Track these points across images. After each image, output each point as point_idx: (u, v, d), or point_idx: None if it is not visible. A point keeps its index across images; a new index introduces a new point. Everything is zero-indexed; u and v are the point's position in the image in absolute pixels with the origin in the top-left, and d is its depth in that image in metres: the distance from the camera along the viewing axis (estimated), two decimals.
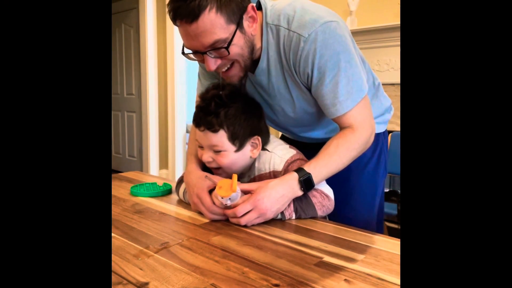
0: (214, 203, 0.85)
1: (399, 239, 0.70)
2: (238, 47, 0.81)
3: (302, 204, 0.87)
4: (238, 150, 0.88)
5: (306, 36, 0.81)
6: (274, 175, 0.91)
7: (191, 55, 0.84)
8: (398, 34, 2.41)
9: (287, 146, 0.96)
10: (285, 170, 0.90)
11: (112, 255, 0.67)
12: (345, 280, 0.59)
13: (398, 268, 0.63)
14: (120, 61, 4.21)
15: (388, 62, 2.54)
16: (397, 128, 2.52)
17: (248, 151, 0.91)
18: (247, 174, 0.96)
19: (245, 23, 0.81)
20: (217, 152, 0.88)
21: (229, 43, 0.78)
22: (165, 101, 3.89)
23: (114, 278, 0.59)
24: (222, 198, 0.81)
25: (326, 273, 0.61)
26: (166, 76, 3.84)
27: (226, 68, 0.85)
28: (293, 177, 0.83)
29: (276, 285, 0.58)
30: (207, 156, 0.89)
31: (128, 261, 0.65)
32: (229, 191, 0.80)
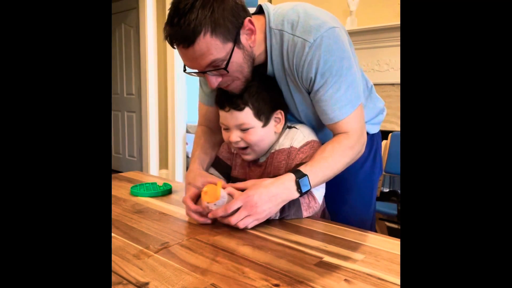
0: (195, 211, 0.84)
1: (399, 239, 0.70)
2: (237, 64, 0.81)
3: (288, 204, 0.85)
4: (264, 125, 0.89)
5: (311, 42, 0.81)
6: (289, 152, 0.91)
7: (193, 73, 0.85)
8: (398, 34, 2.41)
9: (309, 128, 0.96)
10: (300, 150, 0.90)
11: (112, 255, 0.67)
12: (345, 280, 0.59)
13: (398, 268, 0.63)
14: (120, 61, 4.21)
15: (388, 62, 2.54)
16: (397, 128, 2.52)
17: (273, 126, 0.91)
18: (268, 150, 0.95)
19: (243, 37, 0.81)
20: (245, 130, 0.89)
21: (227, 63, 0.79)
22: (165, 101, 3.89)
23: (114, 278, 0.59)
24: (208, 203, 0.80)
25: (326, 273, 0.61)
26: (166, 76, 3.84)
27: (227, 84, 0.85)
28: (290, 178, 0.82)
29: (276, 285, 0.58)
30: (235, 136, 0.89)
31: (128, 261, 0.65)
32: (213, 197, 0.80)
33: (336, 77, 0.83)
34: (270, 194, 0.80)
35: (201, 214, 0.83)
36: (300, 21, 0.82)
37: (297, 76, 0.86)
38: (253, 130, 0.88)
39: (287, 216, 0.86)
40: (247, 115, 0.87)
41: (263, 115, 0.88)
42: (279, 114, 0.92)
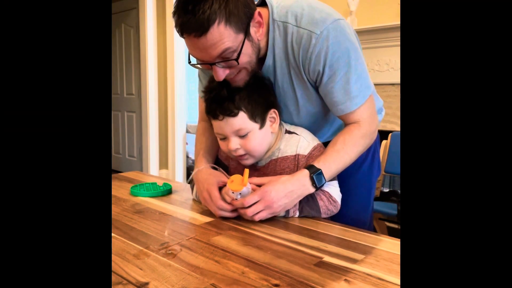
0: (223, 200, 0.85)
1: (399, 239, 0.70)
2: (246, 56, 0.80)
3: (308, 204, 0.87)
4: (261, 126, 0.88)
5: (318, 33, 0.81)
6: (298, 159, 0.91)
7: (199, 65, 0.83)
8: (398, 34, 2.41)
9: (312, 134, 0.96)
10: (309, 156, 0.90)
11: (112, 255, 0.67)
12: (345, 280, 0.59)
13: (398, 268, 0.63)
14: (120, 61, 4.21)
15: (388, 62, 2.54)
16: (397, 128, 2.52)
17: (269, 126, 0.90)
18: (266, 154, 0.94)
19: (252, 29, 0.80)
20: (243, 136, 0.87)
21: (239, 54, 0.78)
22: (165, 101, 3.89)
23: (114, 278, 0.59)
24: (233, 192, 0.82)
25: (326, 273, 0.61)
26: (166, 76, 3.84)
27: (233, 75, 0.84)
28: (304, 173, 0.83)
29: (276, 285, 0.58)
30: (234, 144, 0.87)
31: (128, 261, 0.65)
32: (241, 185, 0.81)
33: (345, 68, 0.83)
34: (286, 191, 0.82)
35: (224, 206, 0.85)
36: (305, 14, 0.82)
37: (303, 69, 0.86)
38: (251, 134, 0.87)
39: (306, 215, 0.88)
40: (242, 120, 0.85)
41: (258, 117, 0.87)
42: (273, 114, 0.91)
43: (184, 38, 0.77)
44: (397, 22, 2.41)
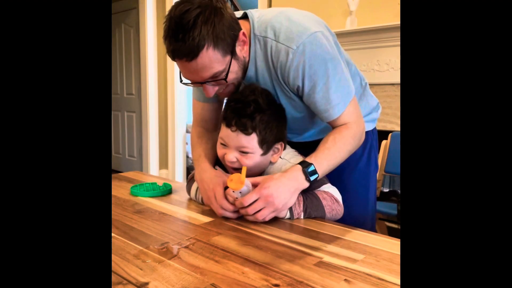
0: (227, 200, 0.86)
1: (399, 239, 0.70)
2: (233, 73, 0.86)
3: (312, 205, 0.88)
4: (264, 154, 0.90)
5: (294, 48, 0.84)
6: None
7: (190, 84, 0.88)
8: (398, 34, 2.41)
9: (296, 152, 0.98)
10: None
11: (112, 255, 0.67)
12: (345, 280, 0.59)
13: (398, 268, 0.63)
14: (120, 61, 4.21)
15: (388, 62, 2.54)
16: (397, 128, 2.52)
17: (270, 155, 0.93)
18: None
19: (238, 48, 0.85)
20: (243, 153, 0.88)
21: (227, 74, 0.83)
22: (165, 101, 3.89)
23: (114, 278, 0.59)
24: (233, 191, 0.83)
25: (326, 273, 0.61)
26: (166, 76, 3.84)
27: (222, 90, 0.89)
28: (297, 168, 0.85)
29: (276, 285, 0.58)
30: (232, 156, 0.89)
31: (128, 261, 0.65)
32: (239, 183, 0.82)
33: (324, 79, 0.86)
34: (283, 185, 0.83)
35: (228, 206, 0.86)
36: (283, 29, 0.85)
37: (283, 81, 0.89)
38: (252, 155, 0.88)
39: (310, 216, 0.88)
40: (251, 140, 0.87)
41: (266, 145, 0.89)
42: (279, 145, 0.93)
43: (175, 61, 0.82)
44: (397, 22, 2.40)
